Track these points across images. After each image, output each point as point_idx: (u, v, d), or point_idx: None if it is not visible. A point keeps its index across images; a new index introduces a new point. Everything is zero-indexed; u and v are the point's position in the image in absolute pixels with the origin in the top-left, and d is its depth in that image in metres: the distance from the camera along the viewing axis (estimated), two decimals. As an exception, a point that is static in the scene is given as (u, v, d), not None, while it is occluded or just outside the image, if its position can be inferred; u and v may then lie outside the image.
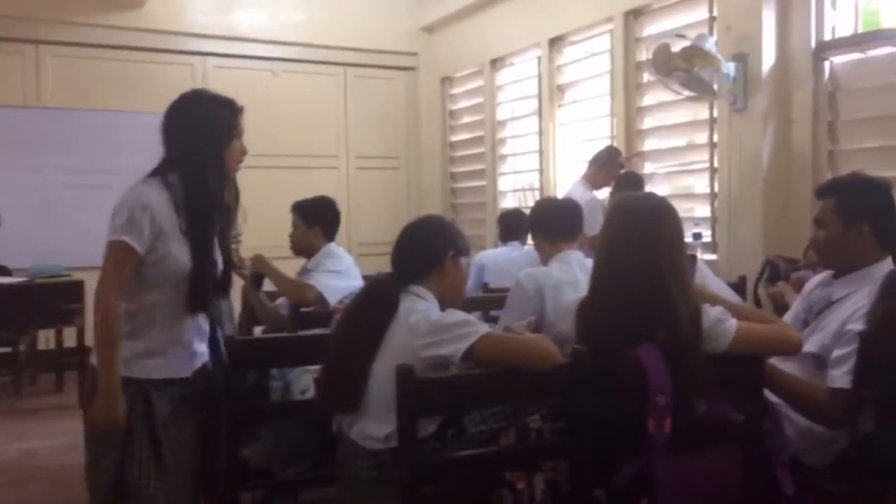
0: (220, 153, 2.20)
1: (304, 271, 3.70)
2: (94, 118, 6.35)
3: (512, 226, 4.54)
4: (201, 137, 2.16)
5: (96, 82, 6.42)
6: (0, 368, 5.62)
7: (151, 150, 6.62)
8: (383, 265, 2.30)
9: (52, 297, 5.15)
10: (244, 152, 2.31)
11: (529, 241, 3.82)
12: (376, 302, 2.08)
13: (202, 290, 2.12)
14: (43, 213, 6.22)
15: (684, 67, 4.04)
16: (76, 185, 6.34)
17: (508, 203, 6.61)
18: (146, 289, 2.07)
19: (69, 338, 5.40)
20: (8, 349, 5.48)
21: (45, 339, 5.80)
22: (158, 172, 2.15)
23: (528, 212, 5.99)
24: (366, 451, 1.96)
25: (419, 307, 2.02)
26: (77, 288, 5.19)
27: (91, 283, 5.58)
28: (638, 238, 1.96)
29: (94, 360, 2.07)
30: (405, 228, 2.23)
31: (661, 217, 1.98)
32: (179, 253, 2.07)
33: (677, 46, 4.08)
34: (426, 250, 2.15)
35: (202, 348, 2.21)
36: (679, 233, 2.02)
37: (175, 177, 2.13)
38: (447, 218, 2.78)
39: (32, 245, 5.93)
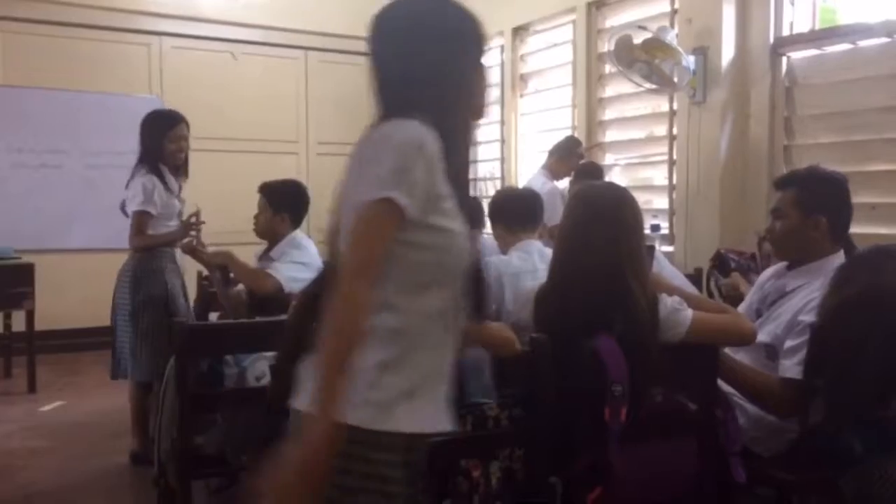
0: (472, 91, 1.44)
1: (267, 259, 3.63)
2: (46, 96, 6.18)
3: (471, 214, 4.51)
4: (455, 68, 1.41)
5: (48, 60, 6.23)
6: (-54, 353, 5.48)
7: (105, 131, 6.47)
8: (343, 253, 2.26)
9: (1, 280, 5.00)
10: (489, 83, 1.53)
11: (488, 229, 3.79)
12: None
13: (483, 292, 1.46)
14: (-10, 194, 6.06)
15: (645, 59, 4.07)
16: (26, 165, 6.18)
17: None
18: (420, 287, 1.32)
19: (18, 322, 5.26)
20: (-46, 333, 5.34)
21: (-7, 322, 5.66)
22: (400, 114, 1.32)
23: (486, 200, 6.00)
24: (321, 439, 1.94)
25: (377, 294, 1.99)
26: (27, 271, 5.05)
27: (43, 265, 5.46)
28: (598, 227, 1.96)
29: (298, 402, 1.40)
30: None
31: (621, 206, 1.98)
32: (460, 232, 1.35)
33: (639, 38, 4.11)
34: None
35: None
36: (639, 223, 2.02)
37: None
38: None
39: (-20, 226, 5.78)
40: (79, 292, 6.22)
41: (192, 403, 2.32)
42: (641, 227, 2.04)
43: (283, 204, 3.59)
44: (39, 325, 5.17)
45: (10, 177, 6.12)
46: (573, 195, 2.16)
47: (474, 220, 4.55)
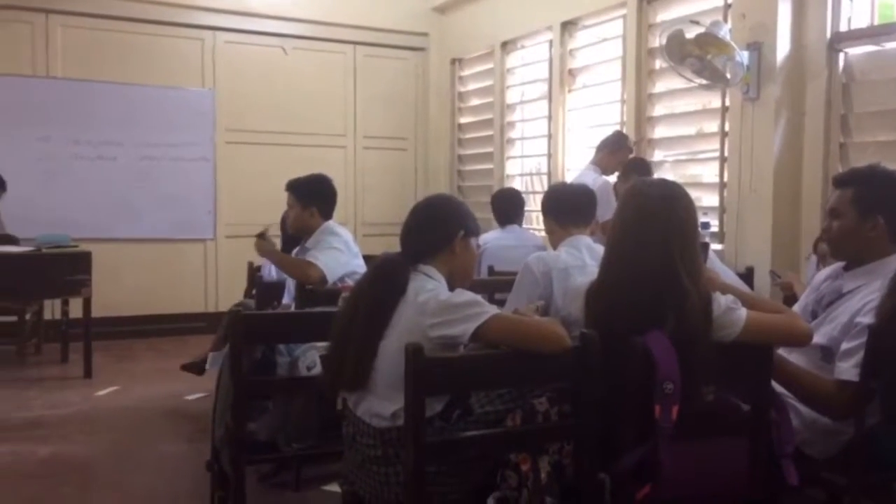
0: None
1: (304, 250, 3.70)
2: (103, 89, 6.35)
3: (509, 209, 4.48)
4: None
5: (105, 54, 6.40)
6: (6, 337, 5.65)
7: (159, 123, 6.69)
8: (388, 245, 2.29)
9: (60, 268, 5.14)
10: None
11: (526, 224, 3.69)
12: (385, 280, 2.07)
13: None
14: (50, 184, 6.23)
15: (698, 54, 4.01)
16: (84, 157, 6.35)
17: (516, 187, 6.57)
18: None
19: (75, 308, 5.42)
20: (14, 318, 5.51)
21: (52, 308, 5.82)
22: None
23: (532, 195, 5.97)
24: (372, 429, 1.97)
25: (428, 286, 2.02)
26: (84, 259, 5.19)
27: (98, 254, 5.68)
28: (650, 224, 1.95)
29: None
30: (416, 207, 2.22)
31: (675, 202, 1.97)
32: None
33: (691, 33, 4.05)
34: (436, 230, 2.14)
35: None
36: (693, 219, 2.01)
37: None
38: (458, 198, 2.77)
39: (39, 215, 5.96)
40: (132, 281, 6.39)
41: (246, 390, 2.37)
42: (695, 224, 2.03)
43: (311, 198, 3.67)
44: (96, 312, 5.31)
45: (69, 167, 6.31)
46: (625, 192, 2.15)
47: (510, 214, 4.51)
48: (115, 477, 3.47)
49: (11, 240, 5.45)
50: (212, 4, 6.64)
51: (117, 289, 6.13)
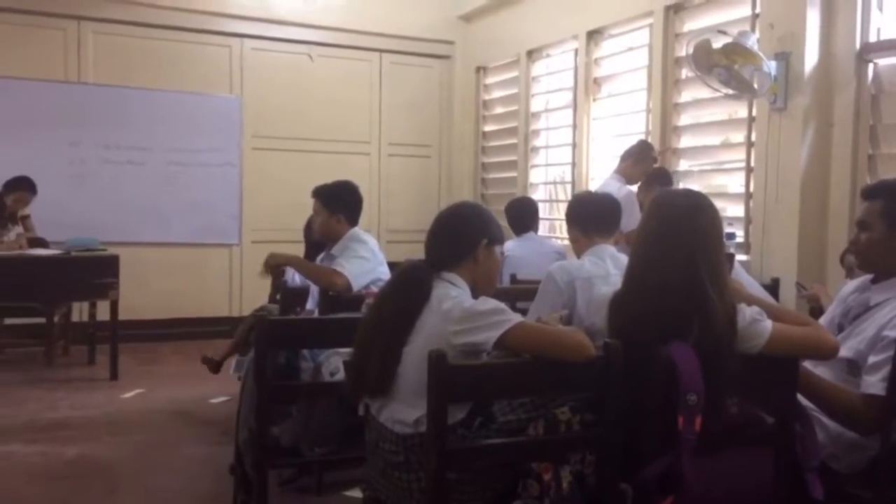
0: None
1: (329, 257, 3.72)
2: (133, 95, 6.45)
3: (524, 216, 4.49)
4: None
5: (136, 60, 6.50)
6: (34, 339, 5.75)
7: (187, 129, 6.78)
8: (412, 252, 2.30)
9: (88, 271, 5.21)
10: None
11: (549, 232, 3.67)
12: (409, 287, 2.08)
13: None
14: (80, 188, 6.34)
15: (725, 64, 3.99)
16: (113, 161, 6.45)
17: (540, 195, 6.58)
18: None
19: (103, 311, 5.49)
20: (42, 320, 5.59)
21: (80, 311, 5.90)
22: None
23: (556, 204, 5.96)
24: (394, 435, 1.98)
25: (452, 294, 2.03)
26: (113, 262, 5.26)
27: (126, 258, 5.77)
28: (676, 232, 1.94)
29: None
30: (440, 215, 2.23)
31: (700, 213, 1.96)
32: None
33: (718, 43, 4.03)
34: (460, 237, 2.15)
35: None
36: (718, 230, 1.99)
37: None
38: (482, 205, 2.77)
39: (69, 218, 6.05)
40: (159, 284, 6.47)
41: (269, 395, 2.39)
42: (720, 234, 2.02)
43: (337, 205, 3.70)
44: (123, 315, 5.37)
45: (99, 172, 6.41)
46: (651, 202, 2.14)
47: (526, 222, 4.53)
48: (139, 479, 3.51)
49: (41, 243, 5.55)
50: (239, 12, 6.73)
51: (144, 292, 6.20)
